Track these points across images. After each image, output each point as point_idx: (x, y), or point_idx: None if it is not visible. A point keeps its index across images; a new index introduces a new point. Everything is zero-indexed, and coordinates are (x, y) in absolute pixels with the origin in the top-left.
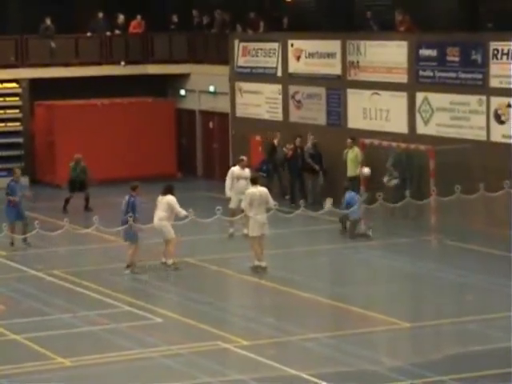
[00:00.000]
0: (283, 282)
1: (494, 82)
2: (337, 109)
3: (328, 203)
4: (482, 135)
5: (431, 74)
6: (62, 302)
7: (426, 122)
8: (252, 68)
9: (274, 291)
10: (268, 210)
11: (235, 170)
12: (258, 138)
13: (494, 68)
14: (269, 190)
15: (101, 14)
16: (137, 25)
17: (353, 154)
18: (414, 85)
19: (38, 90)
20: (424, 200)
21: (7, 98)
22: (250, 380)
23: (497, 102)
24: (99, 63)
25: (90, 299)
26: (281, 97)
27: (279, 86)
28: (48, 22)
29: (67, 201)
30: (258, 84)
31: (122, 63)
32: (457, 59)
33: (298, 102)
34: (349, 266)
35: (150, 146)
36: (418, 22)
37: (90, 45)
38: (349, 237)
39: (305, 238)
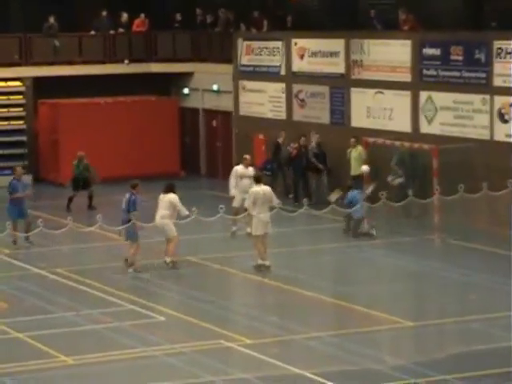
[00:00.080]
0: (286, 280)
1: (497, 81)
2: (340, 107)
3: (335, 194)
4: (485, 134)
5: (435, 72)
6: (65, 300)
7: (430, 121)
8: (255, 67)
9: (278, 290)
10: (272, 208)
11: (239, 168)
12: (261, 136)
13: (498, 67)
14: (273, 188)
15: (104, 13)
16: (140, 23)
17: (356, 152)
18: (417, 84)
19: (41, 88)
20: (427, 199)
21: (11, 97)
22: (254, 379)
23: (500, 101)
24: (103, 62)
25: (93, 297)
26: (284, 95)
27: (283, 85)
28: (52, 20)
29: (71, 199)
30: (262, 83)
31: (126, 62)
32: (460, 58)
33: (302, 100)
34: (352, 264)
35: (153, 145)
36: (422, 20)
37: (93, 43)
38: (352, 236)
39: (308, 237)
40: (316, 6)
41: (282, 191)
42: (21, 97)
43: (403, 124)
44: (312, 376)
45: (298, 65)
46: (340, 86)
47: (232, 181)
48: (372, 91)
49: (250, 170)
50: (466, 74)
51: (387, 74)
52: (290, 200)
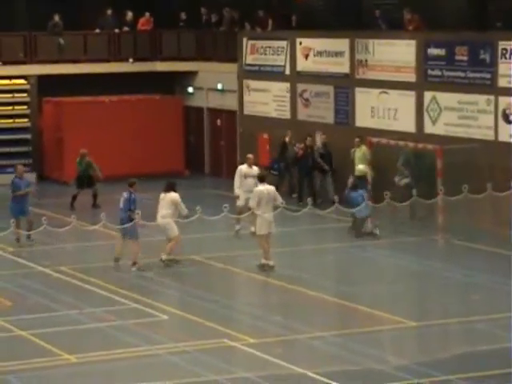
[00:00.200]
0: (290, 280)
1: (502, 82)
2: (345, 107)
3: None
4: (489, 135)
5: (439, 73)
6: (68, 298)
7: (434, 122)
8: (260, 66)
9: (281, 289)
10: (275, 208)
11: (243, 168)
12: (265, 136)
13: (503, 67)
14: (278, 188)
15: (109, 11)
16: (145, 22)
17: (360, 152)
18: (422, 84)
19: (46, 86)
20: (432, 199)
21: (16, 95)
22: (257, 378)
23: (505, 101)
24: (107, 60)
25: (96, 296)
26: (289, 95)
27: (287, 84)
28: (56, 18)
29: (74, 197)
30: (266, 82)
31: (131, 60)
32: (465, 58)
33: (306, 100)
34: (356, 264)
35: (157, 144)
36: (427, 20)
37: (98, 42)
38: (355, 235)
39: (312, 237)
40: (321, 5)
41: (286, 191)
42: (25, 95)
43: (407, 124)
44: (315, 376)
45: (302, 64)
46: (344, 86)
47: (236, 180)
48: (376, 91)
49: (254, 170)
50: (471, 75)
51: (392, 74)
52: (294, 200)
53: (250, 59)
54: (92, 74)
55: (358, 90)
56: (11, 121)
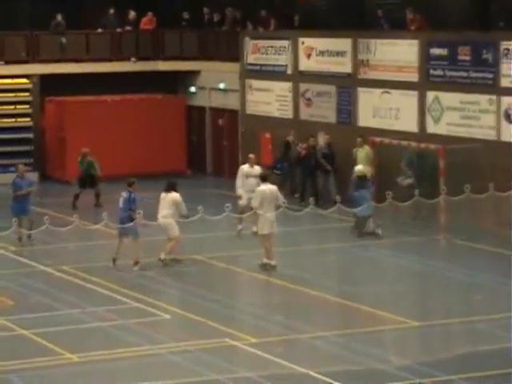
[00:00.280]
0: (292, 279)
1: (504, 82)
2: (347, 107)
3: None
4: (492, 135)
5: (442, 72)
6: (70, 297)
7: (437, 121)
8: (262, 65)
9: (283, 289)
10: (277, 207)
11: (245, 167)
12: (267, 135)
13: (505, 67)
14: (281, 188)
15: (112, 11)
16: (148, 21)
17: (363, 152)
18: (424, 84)
19: (48, 85)
20: (434, 199)
21: (18, 94)
22: (258, 377)
23: (507, 101)
24: (110, 59)
25: (98, 295)
26: (291, 94)
27: (289, 84)
28: (59, 17)
29: (76, 196)
30: (269, 81)
31: (133, 59)
32: (468, 58)
33: (308, 99)
34: (358, 264)
35: (159, 143)
36: (429, 20)
37: (100, 41)
38: (357, 235)
39: (314, 236)
40: (323, 5)
41: (288, 190)
42: (28, 94)
43: (410, 124)
44: (317, 375)
45: (304, 64)
46: (347, 86)
47: (239, 180)
48: (379, 91)
49: (256, 169)
50: (473, 75)
51: (394, 73)
52: (296, 199)
53: (252, 59)
54: (94, 73)
55: (360, 89)
56: (13, 120)
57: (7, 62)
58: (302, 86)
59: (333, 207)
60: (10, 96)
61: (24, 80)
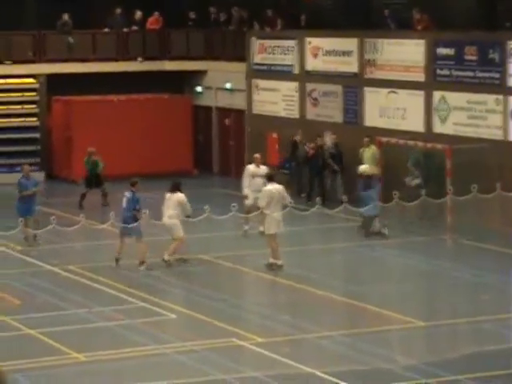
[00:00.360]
0: (299, 279)
1: (511, 81)
2: (353, 107)
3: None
4: (498, 134)
5: (448, 72)
6: (77, 297)
7: (443, 121)
8: (269, 65)
9: (290, 289)
10: (284, 207)
11: (251, 167)
12: (274, 135)
13: None
14: (288, 187)
15: (118, 10)
16: (154, 21)
17: (369, 152)
18: (431, 83)
19: (55, 85)
20: (441, 199)
21: (25, 93)
22: (265, 377)
23: None
24: (116, 59)
25: (105, 295)
26: (297, 94)
27: (296, 84)
28: (66, 17)
29: (83, 196)
30: (275, 81)
31: (139, 59)
32: (474, 58)
33: (315, 99)
34: (364, 264)
35: (166, 143)
36: (436, 20)
37: (107, 41)
38: (364, 235)
39: (320, 236)
40: (330, 4)
41: (295, 190)
42: (34, 94)
43: (416, 124)
44: (323, 375)
45: (311, 64)
46: (353, 86)
47: (245, 180)
48: (385, 91)
49: (262, 169)
50: (480, 74)
51: (401, 73)
52: (303, 199)
53: (258, 58)
54: (101, 73)
55: (366, 89)
56: (20, 120)
57: (14, 62)
58: (309, 86)
59: (339, 207)
60: (16, 96)
61: (31, 80)
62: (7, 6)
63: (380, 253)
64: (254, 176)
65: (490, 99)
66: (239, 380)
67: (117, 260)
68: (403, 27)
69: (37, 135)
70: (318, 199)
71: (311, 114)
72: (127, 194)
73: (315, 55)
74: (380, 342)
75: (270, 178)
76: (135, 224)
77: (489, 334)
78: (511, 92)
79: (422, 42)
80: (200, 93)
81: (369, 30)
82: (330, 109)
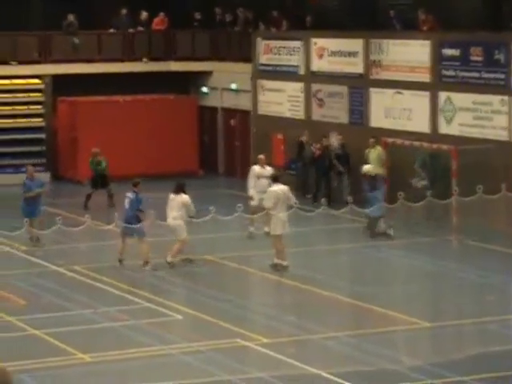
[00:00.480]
0: (304, 280)
1: None
2: (359, 107)
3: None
4: (504, 135)
5: (454, 73)
6: (82, 297)
7: (449, 122)
8: (274, 66)
9: (295, 289)
10: (290, 207)
11: (256, 168)
12: (279, 136)
13: None
14: (294, 188)
15: (124, 11)
16: (160, 22)
17: (375, 153)
18: (436, 84)
19: (60, 85)
20: (446, 200)
21: (30, 94)
22: (270, 378)
23: None
24: (122, 60)
25: (110, 295)
26: (303, 95)
27: (301, 84)
28: (71, 18)
29: (88, 197)
30: (281, 82)
31: (145, 60)
32: (480, 59)
33: (320, 100)
34: (370, 265)
35: (171, 143)
36: (441, 21)
37: (112, 41)
38: (370, 235)
39: (326, 237)
40: (335, 5)
41: (300, 191)
42: (40, 94)
43: (422, 125)
44: (329, 376)
45: (317, 64)
46: (359, 86)
47: (250, 181)
48: (391, 91)
49: (267, 170)
50: (485, 75)
51: (406, 74)
52: (308, 200)
53: (264, 59)
54: (106, 73)
55: (372, 90)
56: (26, 120)
57: (20, 63)
58: (314, 87)
59: (345, 208)
60: (22, 96)
61: (36, 80)
62: (13, 6)
63: (385, 254)
64: (259, 177)
65: (496, 100)
66: (245, 381)
67: (120, 261)
68: (409, 28)
69: (42, 136)
70: (323, 200)
71: (317, 114)
72: (129, 194)
73: (321, 56)
74: (385, 343)
75: (275, 179)
76: (139, 225)
77: (494, 334)
78: None
79: (427, 42)
80: (205, 93)
81: (374, 31)
82: (335, 109)
